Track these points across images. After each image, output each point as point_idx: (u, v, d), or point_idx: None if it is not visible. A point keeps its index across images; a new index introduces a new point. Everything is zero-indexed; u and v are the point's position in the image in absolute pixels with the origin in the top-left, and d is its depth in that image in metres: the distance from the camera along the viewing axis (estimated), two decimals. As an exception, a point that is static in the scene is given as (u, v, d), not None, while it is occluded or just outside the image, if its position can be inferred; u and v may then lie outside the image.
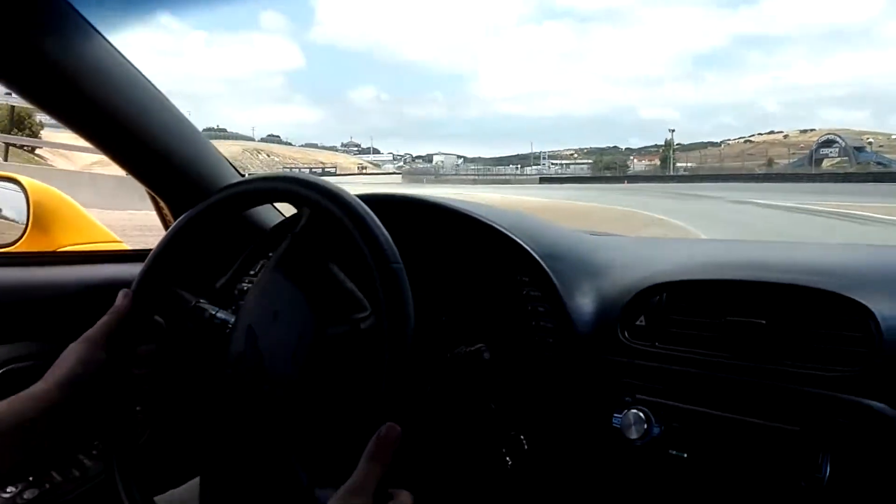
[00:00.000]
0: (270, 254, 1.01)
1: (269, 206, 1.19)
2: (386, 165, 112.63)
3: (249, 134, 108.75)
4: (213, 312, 0.81)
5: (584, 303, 0.97)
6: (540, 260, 0.96)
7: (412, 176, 57.64)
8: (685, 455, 0.87)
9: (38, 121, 19.48)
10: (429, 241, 1.02)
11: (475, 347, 0.93)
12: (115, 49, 0.93)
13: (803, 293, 0.84)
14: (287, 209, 1.16)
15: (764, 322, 0.85)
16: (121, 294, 0.80)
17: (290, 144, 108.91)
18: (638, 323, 0.94)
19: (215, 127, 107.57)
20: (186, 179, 1.11)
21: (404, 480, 0.59)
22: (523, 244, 0.97)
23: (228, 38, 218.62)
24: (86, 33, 0.90)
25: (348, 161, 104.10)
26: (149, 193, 1.17)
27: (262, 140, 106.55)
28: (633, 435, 0.87)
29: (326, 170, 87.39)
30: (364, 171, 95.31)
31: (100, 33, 0.91)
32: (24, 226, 1.30)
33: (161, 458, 0.99)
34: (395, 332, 0.65)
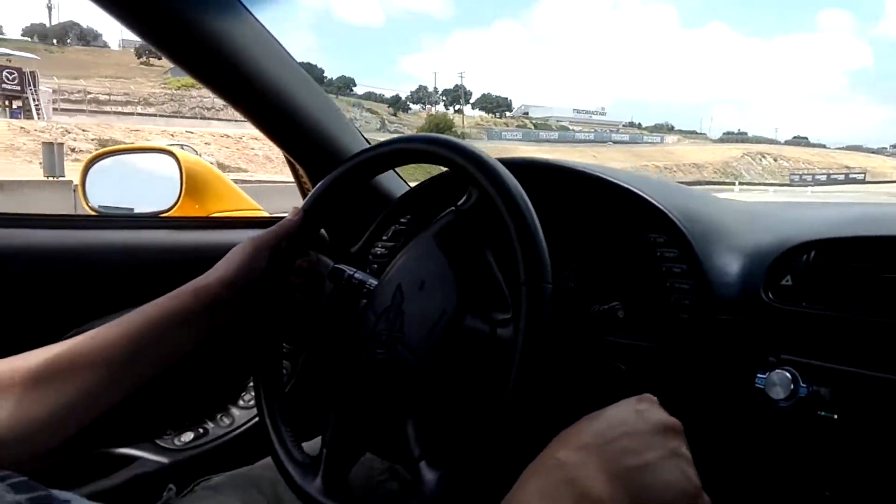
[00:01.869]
0: (402, 220, 1.10)
1: (393, 174, 1.27)
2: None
3: (772, 136, 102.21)
4: (352, 273, 0.87)
5: (724, 263, 0.96)
6: (676, 220, 0.95)
7: None
8: (835, 416, 0.85)
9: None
10: (562, 204, 1.04)
11: (609, 306, 0.95)
12: (266, 29, 1.03)
13: None
14: (410, 177, 1.26)
15: None
16: (293, 209, 0.86)
17: (822, 147, 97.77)
18: (784, 283, 0.93)
19: (735, 131, 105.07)
20: (324, 148, 1.21)
21: (532, 446, 0.60)
22: (658, 204, 0.96)
23: (784, 42, 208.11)
24: (239, 14, 0.99)
25: (885, 165, 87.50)
26: (288, 161, 1.28)
27: (787, 142, 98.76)
28: (779, 395, 0.86)
29: (851, 175, 75.84)
30: (908, 175, 78.75)
31: (252, 14, 1.01)
32: (178, 193, 1.48)
33: (308, 405, 1.07)
34: (526, 354, 0.65)
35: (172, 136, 30.75)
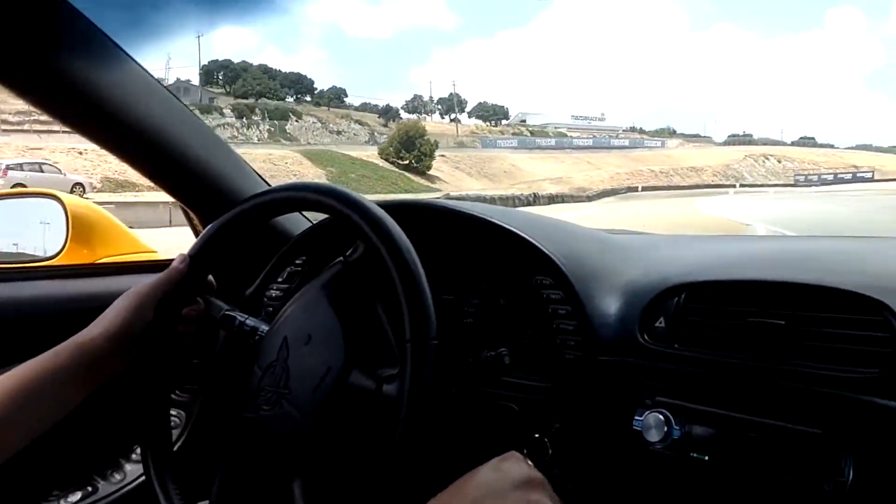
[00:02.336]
0: (297, 261, 1.10)
1: (294, 213, 1.21)
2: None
3: (778, 138, 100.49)
4: (243, 320, 0.85)
5: (605, 304, 0.98)
6: (560, 263, 0.98)
7: None
8: (706, 458, 0.87)
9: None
10: (450, 248, 1.08)
11: (497, 352, 0.95)
12: (136, 62, 0.99)
13: (823, 293, 0.85)
14: (314, 216, 1.24)
15: (783, 323, 0.85)
16: (178, 255, 0.85)
17: (830, 147, 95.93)
18: (657, 324, 0.95)
19: (741, 133, 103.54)
20: (216, 192, 1.17)
21: (427, 487, 0.61)
22: (543, 248, 0.99)
23: (794, 43, 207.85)
24: (107, 49, 0.95)
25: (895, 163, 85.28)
26: (179, 205, 1.23)
27: (793, 143, 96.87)
28: (654, 438, 0.88)
29: (859, 174, 73.97)
30: (918, 173, 76.58)
31: (121, 48, 0.96)
32: (64, 239, 1.41)
33: (201, 459, 1.03)
34: (411, 412, 0.65)
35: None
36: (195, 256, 0.84)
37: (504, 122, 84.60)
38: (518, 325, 1.02)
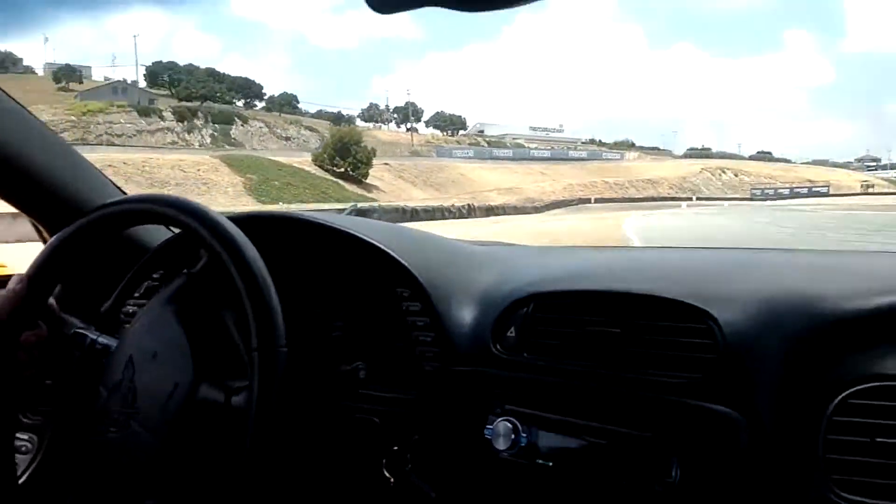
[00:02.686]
0: (155, 275, 1.06)
1: (158, 225, 1.19)
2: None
3: (736, 151, 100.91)
4: (94, 338, 0.82)
5: (462, 315, 1.01)
6: (418, 274, 1.00)
7: None
8: (550, 464, 0.90)
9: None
10: (315, 261, 1.08)
11: (353, 366, 0.98)
12: None
13: (653, 302, 0.89)
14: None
15: (619, 331, 0.90)
16: (14, 277, 0.79)
17: (785, 161, 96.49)
18: (509, 334, 0.98)
19: (700, 147, 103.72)
20: (62, 202, 1.12)
21: (289, 500, 0.62)
22: (402, 260, 1.01)
23: (750, 62, 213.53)
24: None
25: (850, 179, 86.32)
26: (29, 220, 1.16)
27: (751, 157, 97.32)
28: (502, 446, 0.90)
29: (815, 189, 74.19)
30: (870, 189, 77.17)
31: None
32: None
33: (51, 490, 1.02)
34: (260, 421, 0.65)
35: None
36: (34, 277, 0.79)
37: (462, 132, 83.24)
38: (381, 338, 1.03)
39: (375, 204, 32.07)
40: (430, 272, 1.00)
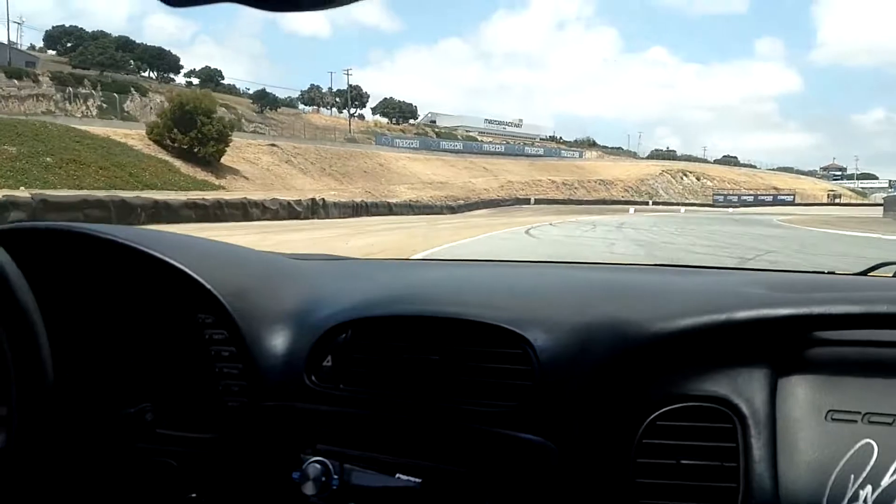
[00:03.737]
0: None
1: None
2: (875, 194, 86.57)
3: (701, 156, 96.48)
4: None
5: (273, 344, 0.93)
6: (223, 298, 0.90)
7: None
8: None
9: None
10: (89, 282, 0.95)
11: (138, 408, 0.88)
12: None
13: (471, 327, 0.85)
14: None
15: (438, 358, 0.85)
16: None
17: (751, 167, 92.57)
18: (325, 364, 0.91)
19: (664, 149, 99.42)
20: None
21: None
22: (204, 281, 0.91)
23: (720, 68, 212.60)
24: None
25: (816, 188, 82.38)
26: None
27: (716, 161, 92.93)
28: (311, 490, 0.83)
29: (780, 196, 69.88)
30: (837, 199, 73.10)
31: None
32: None
33: None
34: (14, 459, 0.60)
35: None
36: None
37: (412, 121, 77.23)
38: (180, 370, 0.93)
39: (257, 197, 24.56)
40: (237, 294, 0.91)
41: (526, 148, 75.52)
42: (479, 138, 75.91)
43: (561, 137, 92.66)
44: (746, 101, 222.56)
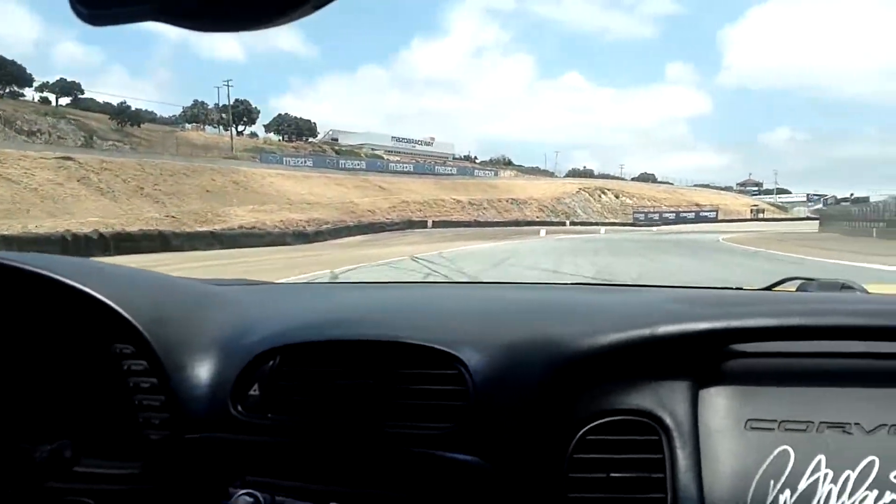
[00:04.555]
0: None
1: None
2: (797, 208, 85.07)
3: (618, 174, 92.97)
4: None
5: (197, 373, 0.89)
6: (142, 328, 0.87)
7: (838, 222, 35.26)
8: None
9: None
10: (4, 313, 0.92)
11: (55, 445, 0.83)
12: None
13: (404, 349, 0.84)
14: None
15: (371, 382, 0.84)
16: None
17: (668, 183, 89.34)
18: (252, 392, 0.87)
19: (581, 168, 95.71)
20: None
21: None
22: (121, 310, 0.87)
23: (634, 93, 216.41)
24: None
25: (737, 203, 79.53)
26: None
27: (634, 179, 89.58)
28: None
29: (702, 213, 65.99)
30: (761, 214, 69.94)
31: None
32: None
33: None
34: None
35: None
36: None
37: (312, 139, 69.72)
38: (96, 404, 0.89)
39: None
40: (158, 322, 0.88)
41: (437, 167, 69.60)
42: (386, 157, 69.43)
43: (476, 157, 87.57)
44: (661, 123, 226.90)
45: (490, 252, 17.24)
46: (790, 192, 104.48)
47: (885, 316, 0.82)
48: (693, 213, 67.68)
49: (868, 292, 1.21)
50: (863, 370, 0.81)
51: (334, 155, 63.53)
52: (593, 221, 56.39)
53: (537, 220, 52.92)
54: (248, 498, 0.80)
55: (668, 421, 0.77)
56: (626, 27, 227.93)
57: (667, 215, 65.35)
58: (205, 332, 0.93)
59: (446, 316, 0.98)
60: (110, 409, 0.86)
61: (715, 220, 62.85)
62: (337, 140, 73.09)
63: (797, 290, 1.26)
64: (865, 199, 69.96)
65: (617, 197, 72.04)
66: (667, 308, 0.91)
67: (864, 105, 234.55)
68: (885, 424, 0.73)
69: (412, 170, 65.74)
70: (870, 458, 0.71)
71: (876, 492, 0.69)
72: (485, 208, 53.50)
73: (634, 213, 65.88)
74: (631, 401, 0.79)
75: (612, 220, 59.51)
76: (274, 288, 1.35)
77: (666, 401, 0.78)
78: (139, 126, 50.65)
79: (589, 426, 0.78)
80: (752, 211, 74.57)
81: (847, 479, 0.70)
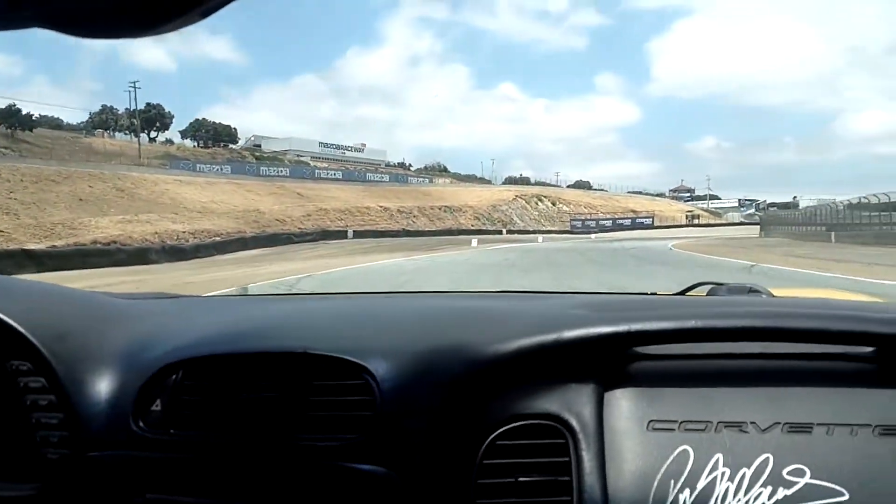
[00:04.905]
0: None
1: None
2: (730, 214, 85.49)
3: (554, 181, 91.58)
4: None
5: (97, 390, 0.87)
6: (39, 344, 0.84)
7: (778, 227, 33.83)
8: None
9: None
10: None
11: None
12: None
13: (309, 360, 0.84)
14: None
15: (276, 395, 0.83)
16: None
17: (603, 191, 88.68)
18: (154, 408, 0.86)
19: (518, 176, 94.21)
20: None
21: None
22: (17, 325, 0.85)
23: (566, 103, 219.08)
24: None
25: (672, 209, 79.15)
26: None
27: (570, 186, 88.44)
28: None
29: (638, 220, 64.83)
30: (695, 220, 69.40)
31: None
32: None
33: None
34: None
35: None
36: None
37: (232, 145, 65.13)
38: None
39: None
40: (57, 337, 0.85)
41: (368, 174, 66.14)
42: (312, 163, 65.54)
43: (410, 164, 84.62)
44: (592, 132, 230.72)
45: (391, 271, 13.57)
46: (720, 198, 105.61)
47: (779, 318, 0.83)
48: (629, 220, 66.61)
49: (773, 295, 1.23)
50: (759, 370, 0.84)
51: (254, 161, 59.40)
52: (531, 230, 54.11)
53: (472, 228, 50.23)
54: None
55: (575, 424, 0.78)
56: (557, 39, 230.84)
57: (603, 222, 63.94)
58: (107, 347, 0.90)
59: (357, 326, 0.97)
60: (5, 429, 0.83)
61: (651, 227, 61.85)
62: (259, 146, 68.86)
63: (707, 294, 1.29)
64: (796, 205, 70.65)
65: (554, 204, 70.39)
66: (573, 313, 0.91)
67: (782, 114, 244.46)
68: (779, 423, 0.75)
69: (341, 177, 62.30)
70: (764, 455, 0.73)
71: (770, 488, 0.71)
72: (415, 216, 50.52)
73: (572, 220, 64.11)
74: (539, 405, 0.80)
75: (549, 228, 57.41)
76: (185, 301, 1.31)
77: (572, 404, 0.79)
78: (31, 131, 45.32)
79: (498, 431, 0.79)
80: (687, 216, 74.26)
81: (743, 476, 0.72)
